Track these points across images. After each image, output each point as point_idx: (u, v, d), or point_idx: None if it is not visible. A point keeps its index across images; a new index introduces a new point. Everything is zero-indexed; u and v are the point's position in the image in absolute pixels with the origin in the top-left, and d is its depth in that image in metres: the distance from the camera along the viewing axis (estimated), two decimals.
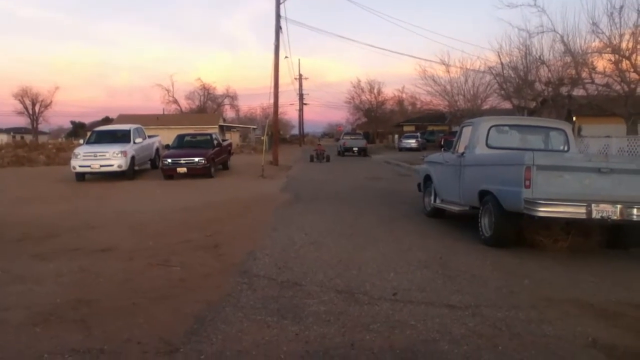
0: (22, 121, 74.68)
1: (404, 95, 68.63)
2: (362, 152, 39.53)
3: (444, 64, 33.77)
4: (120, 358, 3.86)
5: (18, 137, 58.49)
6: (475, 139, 9.01)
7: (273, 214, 11.09)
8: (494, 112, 29.47)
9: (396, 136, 57.75)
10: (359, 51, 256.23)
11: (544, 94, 22.78)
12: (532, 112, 22.40)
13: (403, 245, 7.88)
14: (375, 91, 72.65)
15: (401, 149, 44.61)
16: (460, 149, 9.40)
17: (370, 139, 61.27)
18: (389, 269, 6.32)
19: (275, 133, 30.40)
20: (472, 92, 33.24)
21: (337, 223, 9.81)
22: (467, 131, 9.50)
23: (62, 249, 7.74)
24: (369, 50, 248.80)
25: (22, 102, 71.81)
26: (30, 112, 72.95)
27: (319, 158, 31.33)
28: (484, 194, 8.05)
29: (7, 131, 75.15)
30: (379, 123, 73.11)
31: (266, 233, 8.77)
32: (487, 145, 8.93)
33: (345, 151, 39.61)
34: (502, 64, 24.35)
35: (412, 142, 44.79)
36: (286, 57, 31.43)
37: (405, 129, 60.42)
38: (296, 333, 4.30)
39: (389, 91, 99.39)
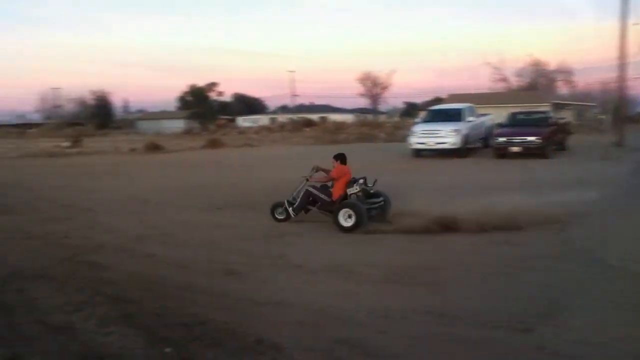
0: (364, 102, 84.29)
1: None
2: None
3: None
4: (476, 327, 4.05)
5: (361, 116, 65.96)
6: None
7: (620, 198, 9.88)
8: None
9: None
10: None
11: None
12: None
13: None
14: None
15: None
16: None
17: None
18: None
19: (620, 110, 26.84)
20: None
21: None
22: None
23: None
24: None
25: (364, 86, 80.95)
26: (371, 94, 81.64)
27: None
28: None
29: (352, 111, 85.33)
30: None
31: (619, 218, 7.94)
32: None
33: None
34: None
35: None
36: (635, 23, 26.96)
37: None
38: None
39: None
